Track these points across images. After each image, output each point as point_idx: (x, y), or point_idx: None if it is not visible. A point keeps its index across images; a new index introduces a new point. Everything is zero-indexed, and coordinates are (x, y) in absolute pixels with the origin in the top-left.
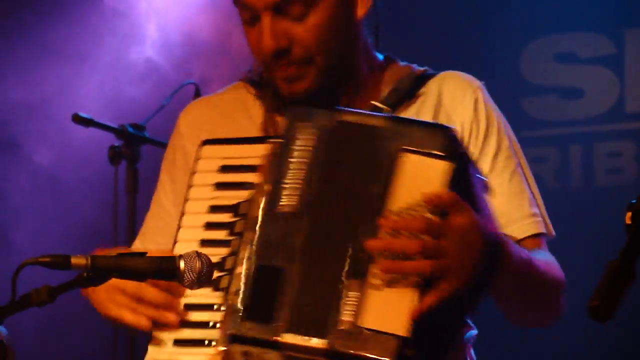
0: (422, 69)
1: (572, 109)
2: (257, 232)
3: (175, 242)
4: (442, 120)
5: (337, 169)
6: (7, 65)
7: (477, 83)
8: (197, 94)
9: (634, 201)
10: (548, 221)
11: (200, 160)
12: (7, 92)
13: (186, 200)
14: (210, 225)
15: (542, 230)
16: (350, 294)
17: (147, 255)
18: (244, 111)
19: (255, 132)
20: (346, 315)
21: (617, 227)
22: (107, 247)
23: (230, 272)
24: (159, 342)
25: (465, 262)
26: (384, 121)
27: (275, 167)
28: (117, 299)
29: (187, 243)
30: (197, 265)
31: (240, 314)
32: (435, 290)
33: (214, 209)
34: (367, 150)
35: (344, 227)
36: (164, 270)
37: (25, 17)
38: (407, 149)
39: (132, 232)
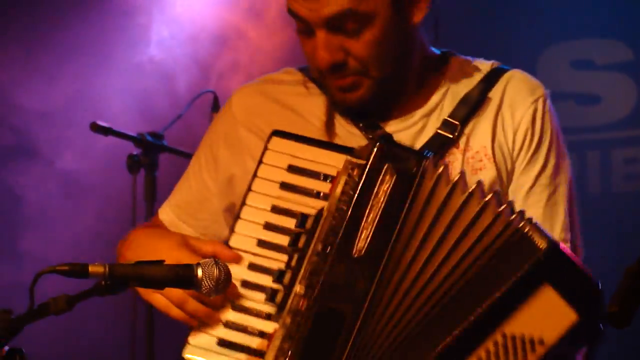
0: (488, 64)
1: (589, 115)
2: (327, 269)
3: (232, 232)
4: (499, 124)
5: (435, 230)
6: (24, 72)
7: (540, 91)
8: (216, 102)
9: None
10: (579, 244)
11: (268, 152)
12: (26, 99)
13: (249, 190)
14: (270, 227)
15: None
16: None
17: (165, 263)
18: (302, 105)
19: (316, 131)
20: None
21: (635, 233)
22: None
23: (288, 289)
24: (203, 337)
25: None
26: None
27: (357, 200)
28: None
29: (245, 238)
30: (215, 273)
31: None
32: None
33: (277, 210)
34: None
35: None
36: (181, 278)
37: (43, 21)
38: (553, 284)
39: None
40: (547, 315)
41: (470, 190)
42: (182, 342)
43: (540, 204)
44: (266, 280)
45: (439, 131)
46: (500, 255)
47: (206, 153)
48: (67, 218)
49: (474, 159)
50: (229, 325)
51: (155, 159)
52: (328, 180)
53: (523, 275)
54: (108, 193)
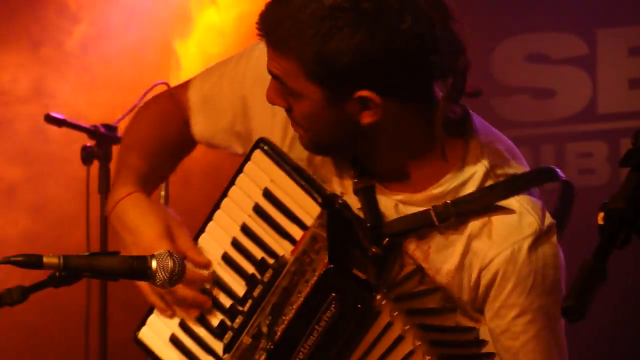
0: (505, 171)
1: (544, 109)
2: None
3: (202, 232)
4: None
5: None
6: None
7: (536, 221)
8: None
9: (606, 202)
10: None
11: (249, 164)
12: None
13: (224, 195)
14: (237, 246)
15: None
16: None
17: (120, 255)
18: None
19: (296, 148)
20: None
21: (589, 228)
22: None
23: (237, 333)
24: (160, 325)
25: None
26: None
27: (302, 315)
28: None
29: (213, 242)
30: (170, 265)
31: None
32: None
33: (246, 231)
34: None
35: None
36: (135, 269)
37: None
38: None
39: (104, 230)
40: None
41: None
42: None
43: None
44: (225, 300)
45: (432, 209)
46: None
47: (227, 70)
48: (21, 210)
49: None
50: (185, 328)
51: (109, 150)
52: (298, 226)
53: None
54: (62, 184)
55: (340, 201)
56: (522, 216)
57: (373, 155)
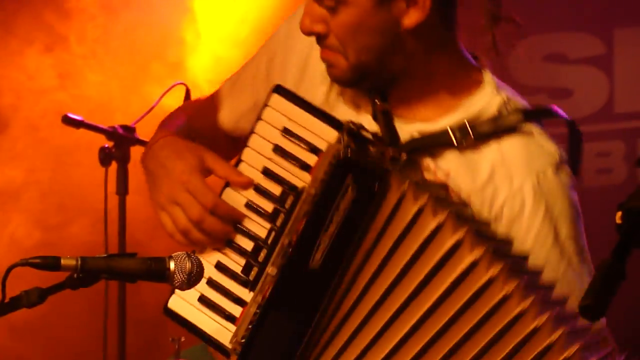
0: (521, 104)
1: (561, 108)
2: (280, 282)
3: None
4: (491, 187)
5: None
6: None
7: (554, 155)
8: (188, 95)
9: (624, 201)
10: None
11: (267, 108)
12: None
13: (245, 146)
14: (258, 190)
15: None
16: None
17: (137, 256)
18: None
19: (322, 91)
20: None
21: (607, 227)
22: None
23: (262, 267)
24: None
25: None
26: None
27: (319, 209)
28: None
29: (236, 195)
30: (187, 266)
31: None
32: None
33: (267, 173)
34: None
35: None
36: (153, 271)
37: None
38: None
39: (123, 231)
40: None
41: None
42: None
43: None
44: (247, 244)
45: (450, 128)
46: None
47: (263, 56)
48: (40, 210)
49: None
50: (212, 283)
51: (127, 152)
52: (317, 155)
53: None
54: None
55: (357, 124)
56: (542, 142)
57: (398, 81)
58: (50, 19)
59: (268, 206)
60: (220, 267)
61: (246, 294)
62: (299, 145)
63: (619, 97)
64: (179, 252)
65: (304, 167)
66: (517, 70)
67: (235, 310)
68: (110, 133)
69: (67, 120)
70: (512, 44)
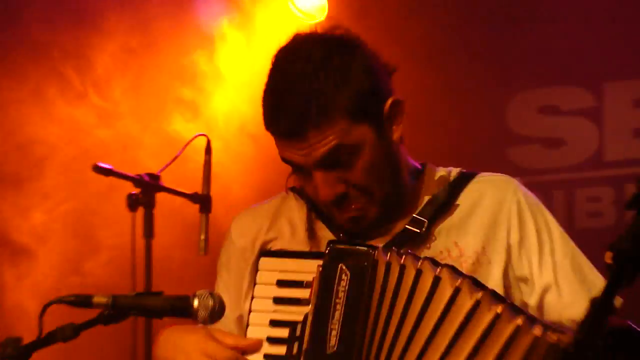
0: (456, 171)
1: (555, 157)
2: None
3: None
4: (490, 222)
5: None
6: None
7: (514, 182)
8: (208, 146)
9: (613, 242)
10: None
11: (260, 272)
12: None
13: (250, 311)
14: (271, 341)
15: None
16: None
17: (163, 294)
18: (286, 218)
19: (298, 240)
20: None
21: (597, 266)
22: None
23: None
24: None
25: None
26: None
27: (320, 302)
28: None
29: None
30: (210, 304)
31: None
32: None
33: (274, 323)
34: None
35: None
36: (178, 308)
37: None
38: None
39: (149, 271)
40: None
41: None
42: None
43: (566, 275)
44: None
45: (407, 226)
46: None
47: (221, 281)
48: (72, 251)
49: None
50: None
51: (152, 197)
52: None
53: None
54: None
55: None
56: (496, 179)
57: (401, 194)
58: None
59: (281, 350)
60: None
61: None
62: (294, 287)
63: (608, 146)
64: (202, 290)
65: (304, 302)
66: (513, 121)
67: None
68: (137, 181)
69: (97, 169)
70: (508, 98)
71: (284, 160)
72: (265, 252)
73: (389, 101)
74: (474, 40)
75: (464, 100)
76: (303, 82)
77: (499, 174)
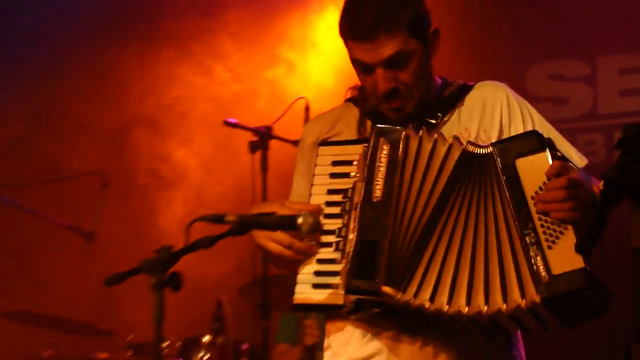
0: (460, 82)
1: (561, 112)
2: (359, 214)
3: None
4: (488, 111)
5: (414, 171)
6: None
7: (503, 85)
8: (307, 107)
9: (604, 173)
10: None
11: (318, 157)
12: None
13: (312, 185)
14: (328, 204)
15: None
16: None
17: (276, 214)
18: (343, 121)
19: (351, 134)
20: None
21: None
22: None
23: (344, 238)
24: (302, 278)
25: (585, 194)
26: (490, 150)
27: (368, 166)
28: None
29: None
30: (310, 220)
31: (351, 274)
32: (579, 224)
33: (330, 192)
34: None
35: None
36: (286, 223)
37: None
38: (521, 157)
39: (265, 198)
40: (534, 168)
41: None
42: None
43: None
44: (331, 238)
45: (426, 119)
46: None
47: (297, 173)
48: (206, 184)
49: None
50: (317, 272)
51: (267, 143)
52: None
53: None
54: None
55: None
56: (492, 83)
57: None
58: (208, 44)
59: (336, 210)
60: (319, 260)
61: (339, 267)
62: (345, 165)
63: (600, 103)
64: (304, 212)
65: (353, 176)
66: (530, 85)
67: (335, 280)
68: (256, 131)
69: (227, 123)
70: (526, 68)
71: (354, 60)
72: (322, 142)
73: (432, 28)
74: (500, 19)
75: (492, 70)
76: (383, 8)
77: (494, 81)
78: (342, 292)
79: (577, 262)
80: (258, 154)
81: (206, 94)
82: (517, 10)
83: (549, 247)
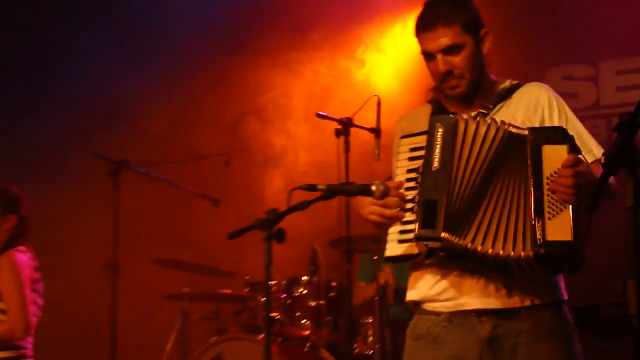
0: (514, 82)
1: (572, 103)
2: (421, 180)
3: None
4: (538, 110)
5: (494, 159)
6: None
7: (546, 86)
8: (379, 102)
9: (605, 150)
10: (600, 149)
11: (401, 147)
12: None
13: (397, 167)
14: (408, 180)
15: (599, 156)
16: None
17: (355, 184)
18: (422, 118)
19: (425, 128)
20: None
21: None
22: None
23: (417, 203)
24: (391, 236)
25: (585, 185)
26: (527, 132)
27: (427, 144)
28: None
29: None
30: (381, 187)
31: (418, 226)
32: (578, 209)
33: (409, 171)
34: (518, 151)
35: (515, 189)
36: (363, 190)
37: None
38: (547, 144)
39: (346, 171)
40: (554, 155)
41: (481, 123)
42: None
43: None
44: (410, 205)
45: (480, 110)
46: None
47: (394, 157)
48: (295, 164)
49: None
50: (401, 231)
51: (348, 130)
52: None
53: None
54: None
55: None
56: (535, 84)
57: (483, 86)
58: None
59: (413, 184)
60: (402, 222)
61: (415, 226)
62: (419, 150)
63: (602, 97)
64: (377, 181)
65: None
66: (548, 84)
67: (412, 235)
68: (339, 121)
69: (318, 115)
70: (544, 71)
71: (423, 52)
72: (403, 136)
73: (483, 30)
74: (525, 31)
75: (519, 72)
76: (443, 3)
77: (539, 82)
78: (414, 241)
79: (567, 235)
80: (342, 139)
81: (300, 92)
82: (536, 23)
83: (549, 219)
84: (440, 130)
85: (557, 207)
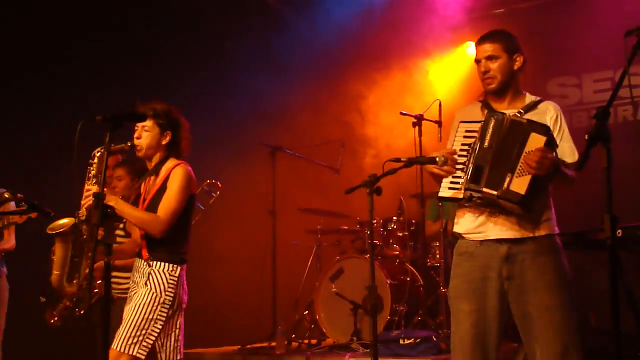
0: (537, 98)
1: (563, 102)
2: (476, 154)
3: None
4: (546, 118)
5: (505, 136)
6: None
7: (558, 106)
8: (440, 104)
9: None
10: (577, 157)
11: (458, 129)
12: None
13: (453, 140)
14: (460, 150)
15: (574, 161)
16: (509, 176)
17: (425, 156)
18: (473, 111)
19: (476, 118)
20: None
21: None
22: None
23: (466, 165)
24: (444, 183)
25: (550, 164)
26: (525, 121)
27: (481, 130)
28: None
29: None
30: (442, 158)
31: (469, 180)
32: (536, 178)
33: (463, 144)
34: (517, 131)
35: (509, 155)
36: (431, 160)
37: None
38: (534, 132)
39: (420, 152)
40: (536, 142)
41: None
42: None
43: (566, 141)
44: (459, 166)
45: (515, 113)
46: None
47: (450, 138)
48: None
49: None
50: (452, 182)
51: (421, 123)
52: (476, 132)
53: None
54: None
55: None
56: (550, 103)
57: (510, 90)
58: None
59: (464, 153)
60: (453, 176)
61: (462, 180)
62: (471, 132)
63: (585, 97)
64: (436, 152)
65: (472, 137)
66: (549, 90)
67: (459, 185)
68: (415, 116)
69: (402, 113)
70: (546, 81)
71: (475, 59)
72: (462, 122)
73: (517, 54)
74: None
75: (528, 83)
76: (496, 31)
77: (553, 102)
78: (462, 190)
79: (522, 189)
80: (416, 128)
81: (387, 97)
82: (538, 46)
83: (517, 176)
84: (493, 121)
85: (523, 172)
